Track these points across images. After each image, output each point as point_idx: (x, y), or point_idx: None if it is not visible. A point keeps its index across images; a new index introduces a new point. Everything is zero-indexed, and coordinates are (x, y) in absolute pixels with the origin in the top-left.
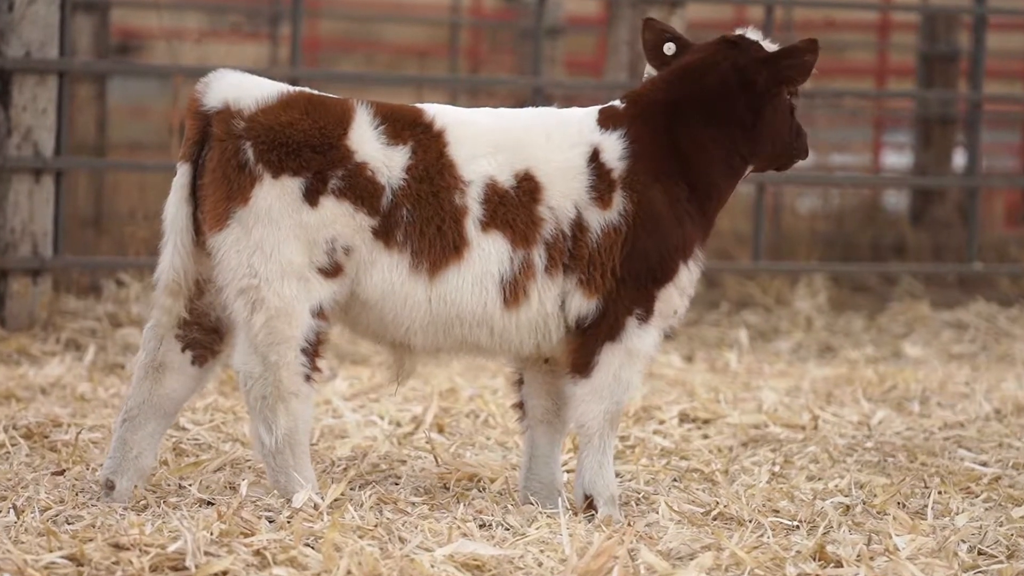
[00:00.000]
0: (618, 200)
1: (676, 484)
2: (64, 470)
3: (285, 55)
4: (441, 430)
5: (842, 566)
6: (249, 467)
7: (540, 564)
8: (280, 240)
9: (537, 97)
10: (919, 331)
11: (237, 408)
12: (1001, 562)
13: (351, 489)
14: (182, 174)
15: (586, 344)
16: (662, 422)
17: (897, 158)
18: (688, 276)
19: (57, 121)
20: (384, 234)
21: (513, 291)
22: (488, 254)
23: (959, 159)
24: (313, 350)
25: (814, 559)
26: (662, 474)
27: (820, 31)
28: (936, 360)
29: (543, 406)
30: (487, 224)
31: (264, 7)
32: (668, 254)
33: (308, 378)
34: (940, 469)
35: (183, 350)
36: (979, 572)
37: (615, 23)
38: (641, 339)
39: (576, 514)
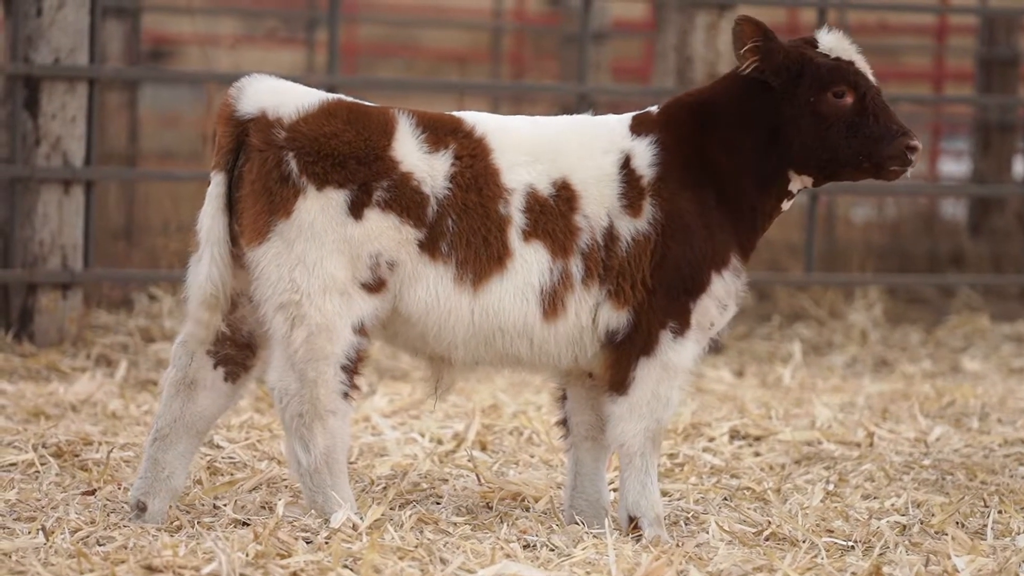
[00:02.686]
0: (647, 208)
1: (727, 503)
2: (95, 490)
3: (322, 61)
4: (484, 448)
5: None
6: (285, 486)
7: None
8: (323, 254)
9: (582, 104)
10: (978, 344)
11: (273, 425)
12: None
13: (391, 509)
14: (216, 184)
15: (621, 359)
16: (712, 439)
17: (955, 166)
18: (724, 287)
19: (87, 130)
20: (429, 246)
21: (551, 302)
22: (529, 264)
23: (1019, 166)
24: (352, 367)
25: None
26: (712, 493)
27: (875, 34)
28: (996, 375)
29: (588, 422)
30: (529, 234)
31: (301, 12)
32: (699, 264)
33: (346, 396)
34: (1000, 487)
35: (215, 366)
36: None
37: (663, 27)
38: (678, 353)
39: (624, 534)
